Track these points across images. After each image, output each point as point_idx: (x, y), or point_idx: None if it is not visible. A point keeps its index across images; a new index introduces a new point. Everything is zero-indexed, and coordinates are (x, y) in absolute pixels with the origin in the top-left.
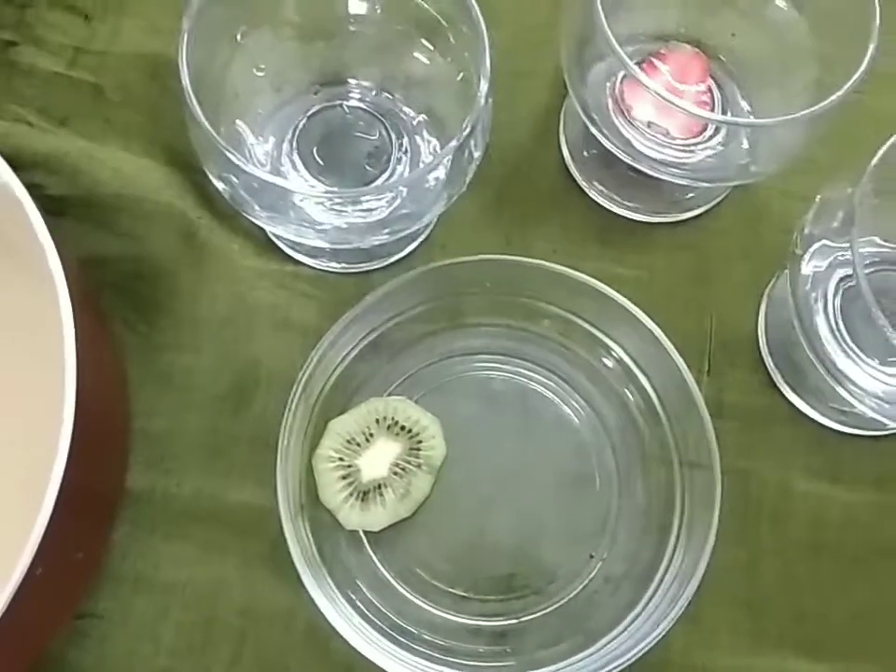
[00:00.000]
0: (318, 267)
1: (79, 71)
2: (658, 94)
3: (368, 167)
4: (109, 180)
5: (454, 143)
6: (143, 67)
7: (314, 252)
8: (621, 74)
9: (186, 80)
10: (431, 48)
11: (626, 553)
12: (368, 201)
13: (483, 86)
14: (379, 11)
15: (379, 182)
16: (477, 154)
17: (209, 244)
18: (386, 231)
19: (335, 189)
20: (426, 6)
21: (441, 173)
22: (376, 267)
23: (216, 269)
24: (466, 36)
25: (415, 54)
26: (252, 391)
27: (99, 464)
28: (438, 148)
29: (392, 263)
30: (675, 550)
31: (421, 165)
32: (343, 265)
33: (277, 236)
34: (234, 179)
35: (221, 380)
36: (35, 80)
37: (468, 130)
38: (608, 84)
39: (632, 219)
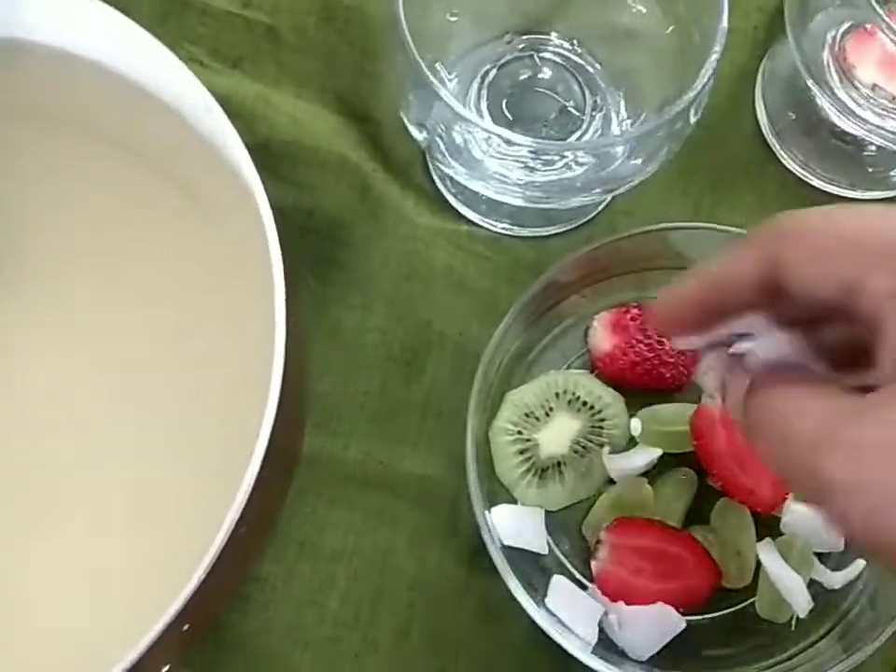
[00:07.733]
0: (494, 229)
1: (254, 11)
2: None
3: (556, 125)
4: (285, 127)
5: (682, 103)
6: (318, 10)
7: (490, 213)
8: (842, 29)
9: (401, 16)
10: None
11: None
12: (576, 157)
13: (719, 42)
14: None
15: (579, 138)
16: (694, 119)
17: (384, 198)
18: (593, 191)
19: (555, 141)
20: None
21: (663, 132)
22: (554, 232)
23: (390, 224)
24: None
25: (630, 3)
26: (424, 355)
27: (291, 422)
28: (627, 108)
29: (571, 229)
30: None
31: (613, 125)
32: (520, 228)
33: (453, 194)
34: (440, 127)
35: (392, 341)
36: (207, 19)
37: (697, 90)
38: (827, 40)
39: (831, 193)
